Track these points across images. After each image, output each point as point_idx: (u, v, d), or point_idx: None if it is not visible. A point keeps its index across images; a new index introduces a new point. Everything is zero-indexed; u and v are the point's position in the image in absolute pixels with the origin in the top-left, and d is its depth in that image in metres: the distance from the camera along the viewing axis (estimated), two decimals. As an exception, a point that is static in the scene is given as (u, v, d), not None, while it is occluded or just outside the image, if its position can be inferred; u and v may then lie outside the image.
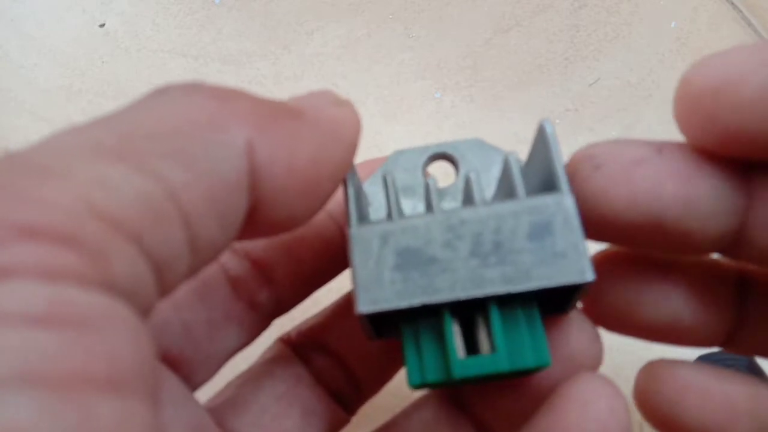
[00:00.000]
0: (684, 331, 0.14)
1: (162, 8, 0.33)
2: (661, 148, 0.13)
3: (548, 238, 0.13)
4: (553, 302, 0.14)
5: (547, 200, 0.13)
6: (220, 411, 0.15)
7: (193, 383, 0.15)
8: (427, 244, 0.13)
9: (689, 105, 0.12)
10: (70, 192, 0.08)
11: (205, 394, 0.16)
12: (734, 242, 0.13)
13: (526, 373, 0.14)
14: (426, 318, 0.14)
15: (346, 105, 0.13)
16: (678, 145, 0.13)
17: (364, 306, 0.13)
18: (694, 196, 0.12)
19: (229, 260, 0.16)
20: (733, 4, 0.32)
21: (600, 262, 0.15)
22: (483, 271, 0.13)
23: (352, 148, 0.13)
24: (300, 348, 0.17)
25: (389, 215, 0.14)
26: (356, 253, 0.13)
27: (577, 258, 0.12)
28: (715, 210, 0.12)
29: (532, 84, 0.30)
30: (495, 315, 0.13)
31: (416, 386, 0.14)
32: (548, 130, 0.14)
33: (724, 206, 0.13)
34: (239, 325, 0.15)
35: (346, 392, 0.17)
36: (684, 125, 0.12)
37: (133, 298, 0.09)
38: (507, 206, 0.13)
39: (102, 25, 0.32)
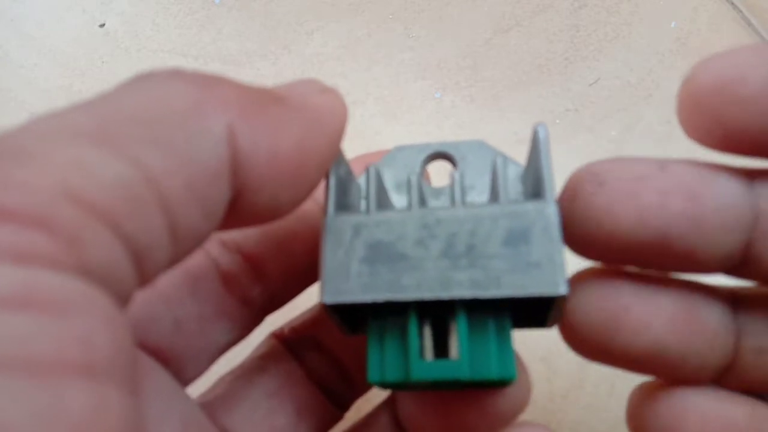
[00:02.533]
0: (669, 363, 0.13)
1: (162, 8, 0.33)
2: (664, 164, 0.13)
3: (524, 246, 0.12)
4: (531, 315, 0.14)
5: (527, 207, 0.13)
6: (212, 407, 0.15)
7: (184, 378, 0.15)
8: (399, 240, 0.13)
9: (692, 103, 0.12)
10: (46, 175, 0.08)
11: (196, 389, 0.16)
12: (741, 261, 0.13)
13: (491, 385, 0.14)
14: (394, 316, 0.13)
15: (331, 93, 0.13)
16: (681, 162, 0.13)
17: (329, 297, 0.13)
18: (699, 212, 0.12)
19: (221, 255, 0.15)
20: (733, 4, 0.32)
21: (574, 282, 0.14)
22: (452, 273, 0.12)
23: (337, 135, 0.13)
24: (292, 344, 0.17)
25: (366, 207, 0.14)
26: (327, 242, 0.13)
27: (552, 269, 0.12)
28: (722, 226, 0.12)
29: (532, 84, 0.30)
30: (461, 320, 0.13)
31: (375, 383, 0.13)
32: (541, 135, 0.13)
33: (731, 221, 0.12)
34: (231, 321, 0.15)
35: (339, 389, 0.17)
36: (686, 124, 0.12)
37: (109, 285, 0.09)
38: (486, 209, 0.13)
39: (102, 25, 0.32)
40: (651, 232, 0.12)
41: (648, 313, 0.13)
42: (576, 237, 0.13)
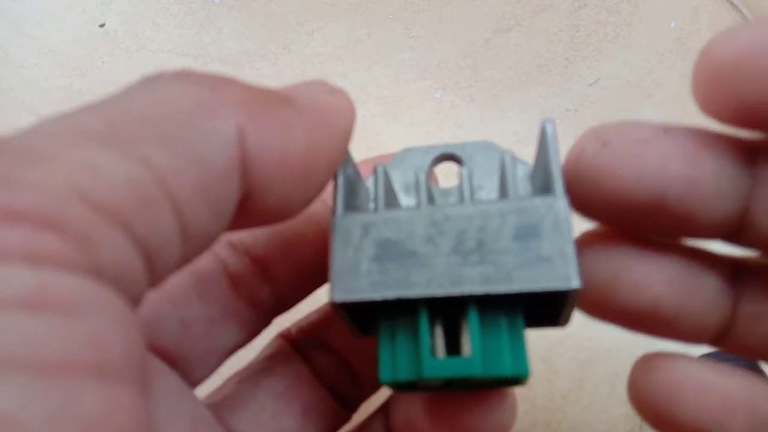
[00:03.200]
0: (667, 322, 0.14)
1: (162, 8, 0.33)
2: (667, 128, 0.13)
3: (534, 241, 0.12)
4: (544, 313, 0.14)
5: (537, 202, 0.13)
6: (219, 408, 0.15)
7: (192, 380, 0.15)
8: (409, 238, 0.13)
9: (709, 75, 0.12)
10: (57, 176, 0.08)
11: (202, 391, 0.16)
12: (738, 227, 0.13)
13: (504, 384, 0.14)
14: (405, 314, 0.13)
15: (339, 93, 0.13)
16: (684, 127, 0.13)
17: (339, 295, 0.12)
18: (698, 176, 0.12)
19: (229, 256, 0.15)
20: (733, 4, 0.32)
21: (578, 242, 0.14)
22: (462, 269, 0.12)
23: (345, 136, 0.13)
24: (300, 344, 0.17)
25: (375, 205, 0.14)
26: (337, 241, 0.13)
27: (564, 263, 0.12)
28: (719, 190, 0.12)
29: (532, 84, 0.30)
30: (473, 317, 0.12)
31: (387, 383, 0.13)
32: (548, 130, 0.13)
33: (728, 187, 0.12)
34: (238, 323, 0.15)
35: (347, 389, 0.17)
36: (701, 97, 0.12)
37: (121, 285, 0.09)
38: (495, 205, 0.13)
39: (102, 25, 0.32)
40: (650, 193, 0.12)
41: (648, 273, 0.13)
42: (578, 196, 0.13)
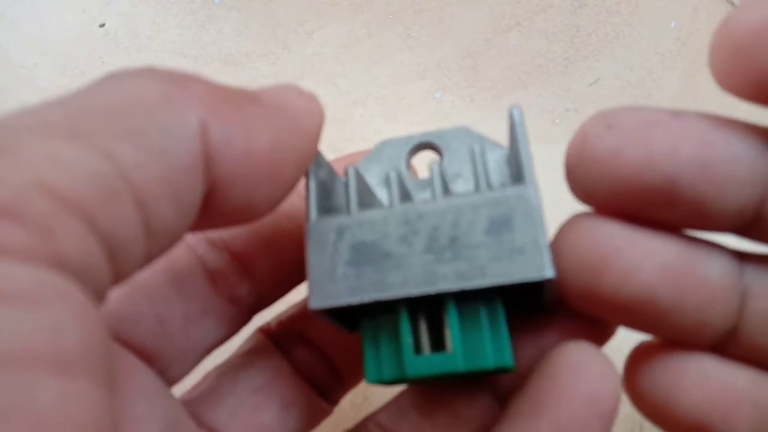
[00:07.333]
0: (662, 316, 0.12)
1: (162, 8, 0.33)
2: (677, 113, 0.12)
3: (507, 233, 0.12)
4: (527, 301, 0.13)
5: (507, 192, 0.12)
6: (197, 404, 0.15)
7: (169, 378, 0.15)
8: (383, 239, 0.13)
9: (728, 48, 0.11)
10: (18, 168, 0.08)
11: (181, 386, 0.16)
12: (753, 220, 0.12)
13: (490, 374, 0.14)
14: (386, 314, 0.13)
15: (309, 96, 0.13)
16: (695, 112, 0.12)
17: (317, 302, 0.13)
18: (711, 159, 0.11)
19: (207, 252, 0.15)
20: (732, 4, 0.32)
21: (568, 222, 0.13)
22: (437, 266, 0.12)
23: (314, 135, 0.12)
24: (280, 338, 0.17)
25: (348, 208, 0.14)
26: (311, 247, 0.13)
27: (537, 253, 0.12)
28: (734, 177, 0.11)
29: (532, 84, 0.30)
30: (452, 313, 0.13)
31: (373, 383, 0.13)
32: (516, 117, 0.13)
33: (743, 174, 0.11)
34: (218, 320, 0.15)
35: (328, 383, 0.17)
36: (719, 70, 0.12)
37: (82, 278, 0.09)
38: (466, 199, 0.13)
39: (102, 25, 0.32)
40: (659, 177, 0.11)
41: (640, 255, 0.12)
42: (582, 182, 0.12)
